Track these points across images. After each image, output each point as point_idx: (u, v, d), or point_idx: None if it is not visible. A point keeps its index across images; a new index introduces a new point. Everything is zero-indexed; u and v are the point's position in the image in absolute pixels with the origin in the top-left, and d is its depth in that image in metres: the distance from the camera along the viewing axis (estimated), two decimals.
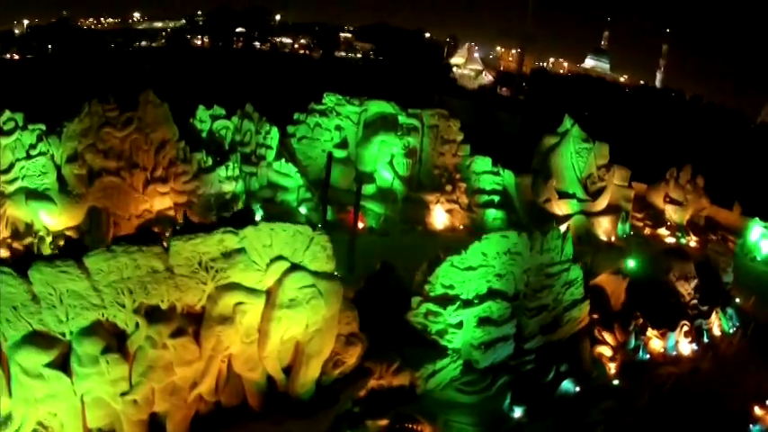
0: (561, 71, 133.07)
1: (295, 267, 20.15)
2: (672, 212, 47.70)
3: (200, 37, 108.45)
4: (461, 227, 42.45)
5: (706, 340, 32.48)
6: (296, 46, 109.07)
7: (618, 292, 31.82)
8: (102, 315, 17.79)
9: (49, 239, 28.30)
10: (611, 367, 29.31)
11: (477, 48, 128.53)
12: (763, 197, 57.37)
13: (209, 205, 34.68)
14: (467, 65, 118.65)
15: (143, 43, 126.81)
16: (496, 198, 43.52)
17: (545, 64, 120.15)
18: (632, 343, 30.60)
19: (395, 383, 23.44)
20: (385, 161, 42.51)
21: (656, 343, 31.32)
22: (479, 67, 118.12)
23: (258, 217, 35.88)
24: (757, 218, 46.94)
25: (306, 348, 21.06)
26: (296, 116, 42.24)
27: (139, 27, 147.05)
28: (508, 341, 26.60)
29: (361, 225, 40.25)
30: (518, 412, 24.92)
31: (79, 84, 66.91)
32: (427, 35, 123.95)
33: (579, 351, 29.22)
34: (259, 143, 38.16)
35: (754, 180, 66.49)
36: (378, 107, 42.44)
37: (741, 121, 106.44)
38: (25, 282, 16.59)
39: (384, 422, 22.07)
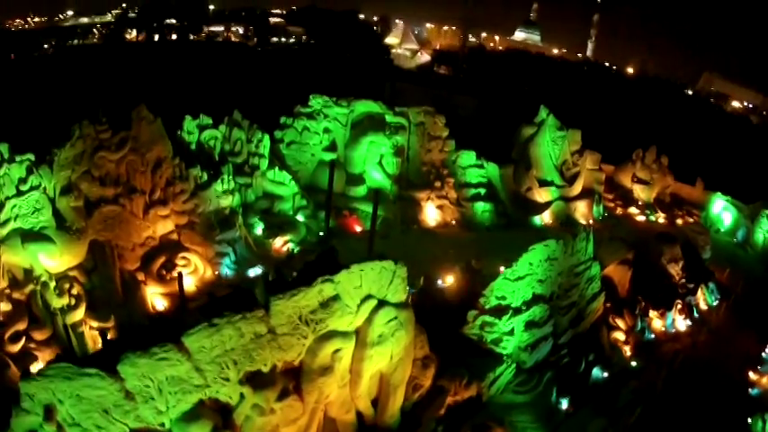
0: (492, 45, 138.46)
1: (381, 303, 21.48)
2: (640, 191, 53.73)
3: (133, 31, 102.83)
4: (453, 222, 45.36)
5: (696, 315, 38.36)
6: (228, 34, 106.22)
7: (624, 281, 36.42)
8: (205, 394, 17.67)
9: (52, 284, 26.60)
10: (627, 350, 33.90)
11: (414, 26, 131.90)
12: (714, 169, 65.66)
13: (211, 224, 35.00)
14: (402, 45, 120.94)
15: (75, 42, 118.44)
16: (483, 191, 46.65)
17: (475, 39, 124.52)
18: (639, 325, 35.69)
19: (465, 396, 26.45)
20: (374, 161, 44.24)
21: (657, 323, 36.30)
22: (415, 47, 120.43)
23: (260, 231, 37.57)
24: (719, 192, 54.24)
25: (391, 379, 22.77)
26: (282, 120, 42.69)
27: (66, 24, 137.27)
28: (548, 340, 30.05)
29: (358, 228, 42.49)
30: (564, 404, 28.91)
31: (39, 96, 63.34)
32: (361, 16, 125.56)
33: (600, 339, 33.83)
34: (251, 152, 38.50)
35: (694, 150, 74.92)
36: (364, 107, 43.77)
37: (677, 90, 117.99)
38: (116, 380, 15.90)
39: None
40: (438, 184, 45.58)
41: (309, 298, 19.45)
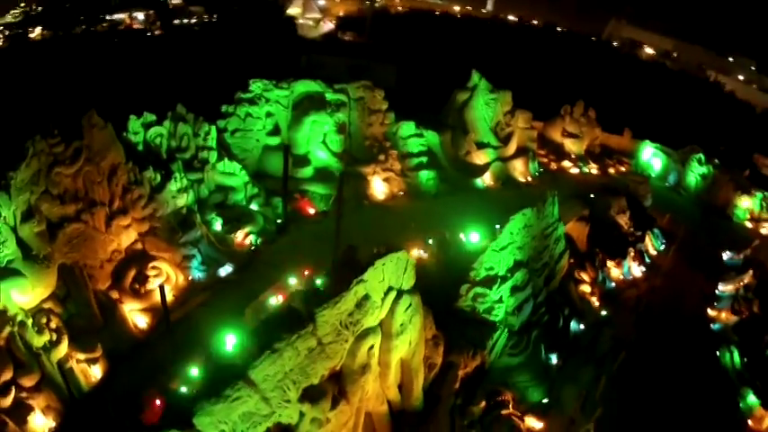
0: (395, 7, 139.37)
1: (399, 293, 23.00)
2: (570, 145, 58.43)
3: (36, 29, 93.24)
4: (401, 193, 47.16)
5: (648, 261, 43.62)
6: (129, 22, 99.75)
7: (582, 237, 40.53)
8: (271, 422, 18.55)
9: (30, 322, 25.49)
10: (594, 301, 38.43)
11: None
12: (639, 117, 71.57)
13: (172, 227, 34.60)
14: (305, 14, 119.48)
15: None
16: (425, 159, 48.77)
17: (377, 2, 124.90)
18: (600, 276, 40.22)
19: (473, 366, 29.13)
20: (318, 141, 45.11)
21: (615, 272, 40.97)
22: (318, 15, 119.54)
23: (219, 226, 37.90)
24: (647, 140, 60.13)
25: (411, 364, 24.56)
26: (224, 108, 42.10)
27: None
28: (529, 301, 33.31)
29: (311, 210, 43.56)
30: (554, 359, 32.53)
31: None
32: None
33: (570, 294, 37.82)
34: (199, 146, 38.08)
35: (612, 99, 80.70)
36: (303, 87, 44.02)
37: (587, 41, 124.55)
38: None
39: (483, 403, 27.90)
40: (382, 157, 47.23)
41: (348, 302, 20.73)
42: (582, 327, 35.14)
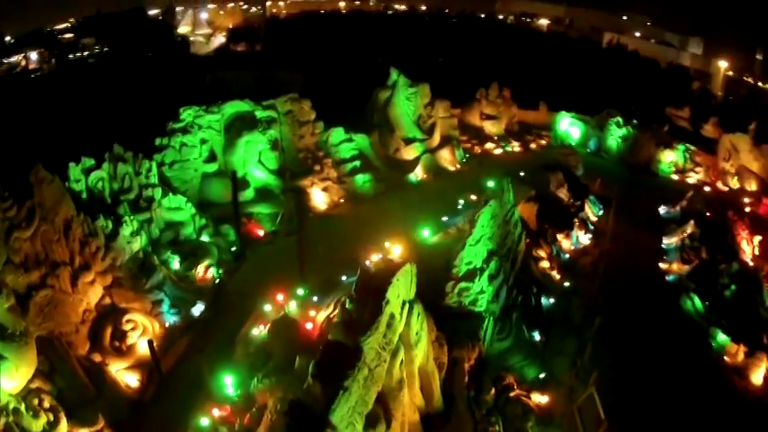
0: (284, 12, 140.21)
1: (411, 305, 24.92)
2: (490, 127, 62.52)
3: None
4: (341, 200, 49.00)
5: (591, 227, 48.31)
6: (24, 62, 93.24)
7: (532, 216, 44.43)
8: None
9: (23, 407, 24.68)
10: (555, 275, 42.43)
11: (200, 10, 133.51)
12: (551, 89, 76.67)
13: (134, 274, 34.67)
14: (195, 31, 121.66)
15: None
16: (358, 163, 50.65)
17: (262, 9, 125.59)
18: (554, 251, 44.34)
19: (473, 358, 31.80)
20: (254, 161, 45.93)
21: (565, 244, 45.25)
22: (208, 31, 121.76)
23: (177, 264, 38.25)
24: (563, 110, 65.16)
25: (427, 367, 26.65)
26: (158, 142, 41.88)
27: None
28: (503, 287, 36.73)
29: (261, 232, 44.53)
30: (537, 336, 35.89)
31: None
32: (150, 12, 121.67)
33: (532, 273, 41.56)
34: (142, 184, 37.89)
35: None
36: (232, 108, 44.28)
37: (480, 21, 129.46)
38: None
39: (492, 391, 30.68)
40: (317, 167, 48.89)
41: (382, 324, 22.36)
42: (552, 301, 38.80)
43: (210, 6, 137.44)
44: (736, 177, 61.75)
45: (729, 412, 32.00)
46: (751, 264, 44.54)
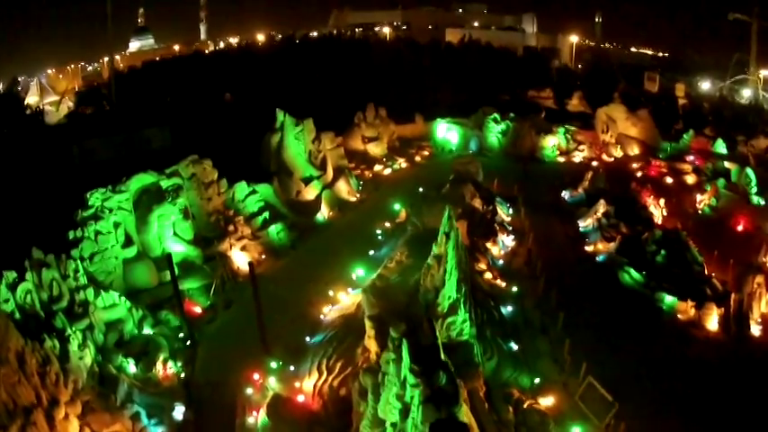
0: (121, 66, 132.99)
1: None
2: (374, 148, 63.92)
3: None
4: (262, 256, 47.94)
5: (509, 228, 51.45)
6: None
7: (464, 232, 46.39)
8: None
9: None
10: (499, 283, 44.75)
11: (41, 76, 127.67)
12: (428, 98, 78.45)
13: (99, 392, 31.70)
14: (43, 100, 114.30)
15: None
16: (267, 214, 49.46)
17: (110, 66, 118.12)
18: (490, 259, 46.73)
19: (482, 385, 32.87)
20: (169, 235, 43.34)
21: (495, 250, 47.96)
22: (56, 98, 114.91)
23: (133, 368, 35.50)
24: (438, 117, 67.61)
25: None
26: (71, 235, 37.58)
27: None
28: (471, 309, 38.47)
29: (198, 309, 42.21)
30: (514, 346, 38.03)
31: None
32: None
33: (481, 286, 43.55)
34: (72, 288, 34.36)
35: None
36: (138, 182, 41.14)
37: (322, 41, 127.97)
38: None
39: (510, 409, 32.04)
40: (231, 227, 47.32)
41: None
42: (510, 309, 41.19)
43: (49, 71, 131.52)
44: (618, 146, 68.57)
45: (699, 359, 36.89)
46: (663, 225, 50.09)
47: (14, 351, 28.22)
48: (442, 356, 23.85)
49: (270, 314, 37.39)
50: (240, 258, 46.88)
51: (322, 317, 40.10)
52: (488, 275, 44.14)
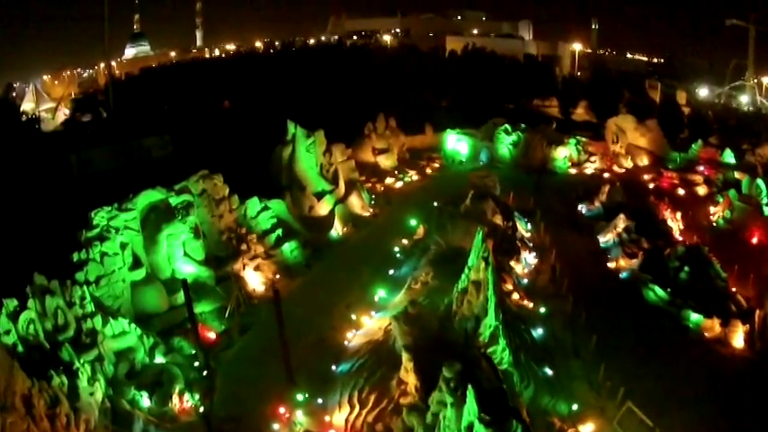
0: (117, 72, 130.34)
1: None
2: (384, 160, 61.27)
3: None
4: (277, 276, 45.39)
5: (530, 244, 49.01)
6: None
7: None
8: None
9: None
10: (526, 304, 41.83)
11: (37, 82, 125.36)
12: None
13: (115, 430, 28.97)
14: (39, 107, 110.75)
15: None
16: (280, 231, 46.95)
17: (99, 70, 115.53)
18: (515, 279, 44.12)
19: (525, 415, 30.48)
20: (179, 255, 40.42)
21: (518, 269, 45.47)
22: (52, 104, 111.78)
23: (147, 401, 32.63)
24: (447, 128, 65.03)
25: None
26: (76, 258, 34.64)
27: None
28: (504, 335, 35.86)
29: (212, 335, 39.29)
30: (548, 371, 34.83)
31: None
32: None
33: (510, 309, 40.97)
34: (79, 316, 31.19)
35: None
36: (145, 199, 38.23)
37: (323, 50, 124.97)
38: None
39: None
40: (244, 246, 44.53)
41: None
42: (540, 330, 38.73)
43: (45, 78, 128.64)
44: (629, 157, 66.48)
45: (729, 377, 35.24)
46: (681, 239, 47.93)
47: (21, 395, 25.55)
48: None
49: (290, 339, 34.36)
50: (254, 279, 44.14)
51: (346, 342, 37.41)
52: (515, 296, 41.65)
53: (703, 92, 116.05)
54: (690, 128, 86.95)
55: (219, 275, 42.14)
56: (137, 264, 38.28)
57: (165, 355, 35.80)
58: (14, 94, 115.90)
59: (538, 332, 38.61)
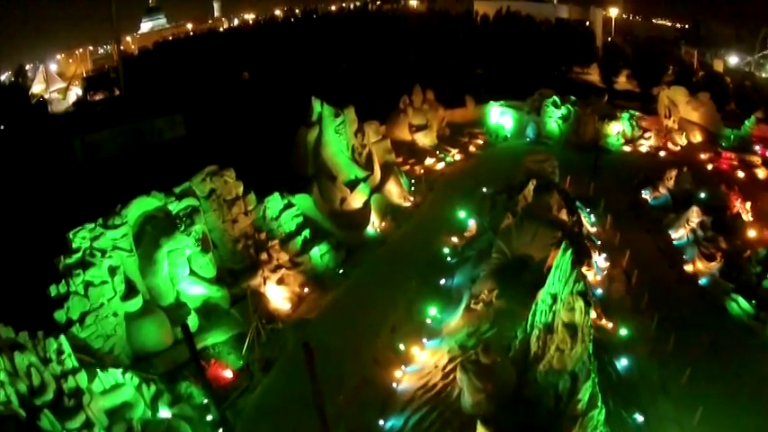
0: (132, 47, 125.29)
1: None
2: (423, 138, 52.50)
3: None
4: (305, 289, 37.55)
5: (598, 243, 40.27)
6: None
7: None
8: None
9: None
10: (605, 323, 33.46)
11: (49, 63, 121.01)
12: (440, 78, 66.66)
13: None
14: (49, 88, 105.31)
15: None
16: (307, 233, 39.26)
17: (112, 46, 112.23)
18: (591, 292, 35.37)
19: None
20: (185, 275, 32.56)
21: (590, 276, 36.67)
22: (63, 84, 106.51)
23: None
24: (490, 100, 56.01)
25: None
26: (54, 292, 26.87)
27: None
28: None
29: (228, 374, 31.55)
30: (639, 418, 27.21)
31: None
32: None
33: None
34: (57, 375, 23.34)
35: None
36: (138, 208, 30.53)
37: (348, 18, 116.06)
38: None
39: None
40: (264, 256, 36.67)
41: None
42: (624, 362, 30.52)
43: (58, 57, 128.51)
44: (683, 134, 57.13)
45: None
46: (753, 235, 40.68)
47: None
48: None
49: (323, 380, 25.38)
50: (277, 294, 36.58)
51: (395, 384, 29.36)
52: (592, 315, 32.92)
53: (733, 59, 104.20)
54: (737, 101, 75.73)
55: (235, 295, 34.33)
56: (131, 291, 30.51)
57: (171, 407, 28.53)
58: (28, 75, 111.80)
59: (622, 363, 30.44)
